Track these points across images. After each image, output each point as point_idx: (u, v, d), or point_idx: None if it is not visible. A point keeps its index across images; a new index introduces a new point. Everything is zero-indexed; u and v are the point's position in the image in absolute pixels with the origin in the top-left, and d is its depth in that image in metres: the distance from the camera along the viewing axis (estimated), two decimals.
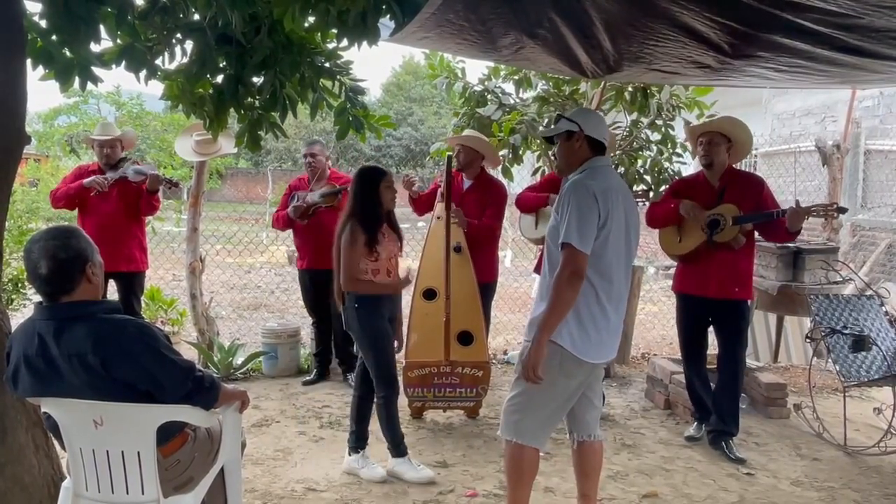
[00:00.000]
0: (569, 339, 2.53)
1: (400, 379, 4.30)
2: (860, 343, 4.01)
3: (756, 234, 3.94)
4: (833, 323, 4.15)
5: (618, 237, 2.56)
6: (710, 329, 4.05)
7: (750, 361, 4.85)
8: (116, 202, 4.44)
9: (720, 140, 3.84)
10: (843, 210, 3.74)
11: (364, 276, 3.30)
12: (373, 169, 3.47)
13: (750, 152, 4.07)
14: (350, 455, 3.53)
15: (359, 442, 3.52)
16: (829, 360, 4.26)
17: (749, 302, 3.96)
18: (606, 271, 2.54)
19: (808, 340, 4.73)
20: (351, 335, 3.44)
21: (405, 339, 4.30)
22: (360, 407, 3.53)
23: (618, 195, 2.58)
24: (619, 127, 5.55)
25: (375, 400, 3.45)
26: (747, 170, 7.58)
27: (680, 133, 5.51)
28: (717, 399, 3.93)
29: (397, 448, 3.48)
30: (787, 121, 10.60)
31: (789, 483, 3.52)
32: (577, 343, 2.53)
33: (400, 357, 5.13)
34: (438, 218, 4.45)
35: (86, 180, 4.38)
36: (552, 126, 2.81)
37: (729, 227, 3.74)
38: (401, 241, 3.53)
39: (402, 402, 4.32)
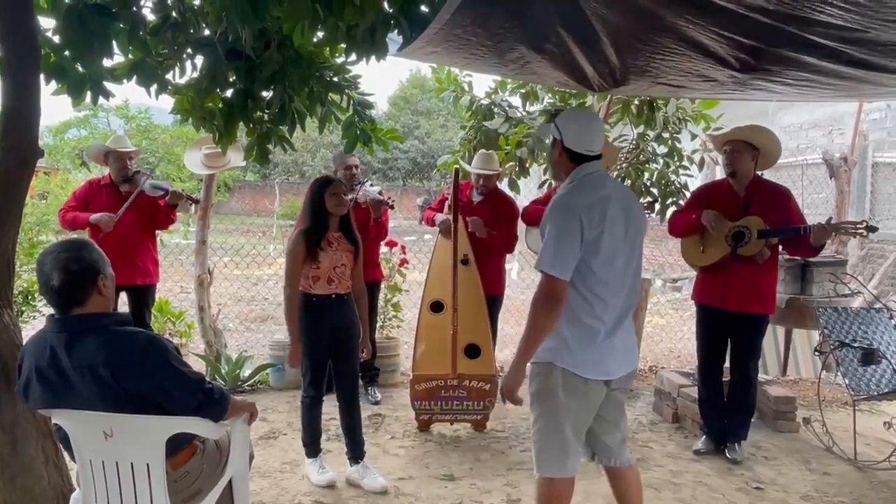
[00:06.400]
0: (569, 358, 2.42)
1: (407, 392, 4.34)
2: (870, 356, 3.98)
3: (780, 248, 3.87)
4: (842, 336, 4.13)
5: (615, 247, 2.40)
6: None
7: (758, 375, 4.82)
8: (132, 216, 4.45)
9: (744, 148, 3.73)
10: (873, 229, 3.58)
11: (304, 281, 3.40)
12: (320, 178, 3.54)
13: (777, 160, 3.91)
14: (351, 466, 3.56)
15: (356, 451, 3.58)
16: (839, 373, 4.23)
17: (769, 316, 3.90)
18: (604, 284, 2.40)
19: (816, 353, 4.70)
20: None
21: (413, 352, 4.32)
22: (343, 415, 3.62)
23: (610, 203, 2.40)
24: (625, 140, 5.57)
25: (301, 399, 3.59)
26: None
27: (686, 145, 5.53)
28: (728, 410, 3.94)
29: (306, 447, 3.61)
30: (794, 133, 10.60)
31: (799, 497, 3.49)
32: (581, 361, 2.42)
33: (407, 370, 5.16)
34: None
35: (92, 217, 4.36)
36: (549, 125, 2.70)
37: (754, 241, 3.65)
38: (357, 250, 3.52)
39: (410, 414, 4.35)
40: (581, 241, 2.34)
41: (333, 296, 3.44)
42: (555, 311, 2.36)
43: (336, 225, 3.45)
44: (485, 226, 4.49)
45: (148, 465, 2.09)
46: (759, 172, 3.86)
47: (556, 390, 2.44)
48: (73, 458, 2.19)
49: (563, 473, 2.50)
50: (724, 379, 4.04)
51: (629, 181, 5.49)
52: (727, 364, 4.04)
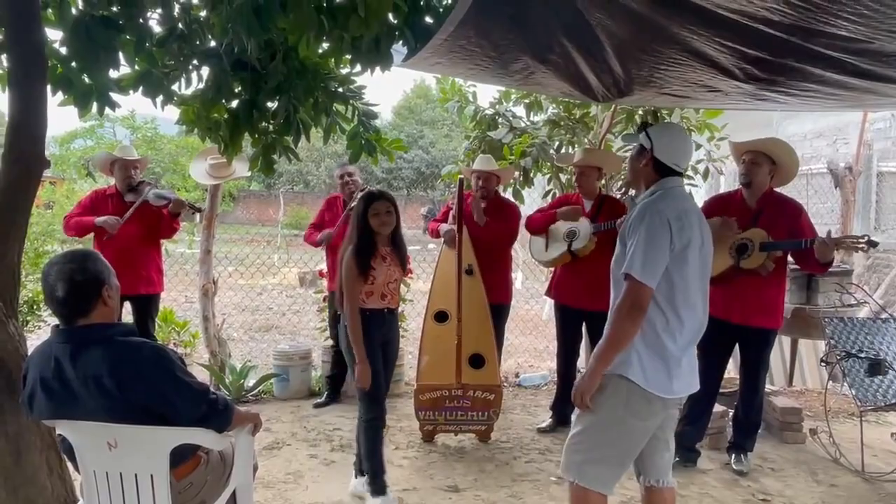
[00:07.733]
0: (640, 372, 2.31)
1: (411, 402, 4.32)
2: (876, 367, 3.96)
3: (790, 260, 3.82)
4: (848, 346, 4.10)
5: (693, 263, 2.36)
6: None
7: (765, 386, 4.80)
8: (136, 225, 4.48)
9: (763, 160, 3.70)
10: (874, 244, 3.56)
11: (358, 297, 3.30)
12: (365, 193, 3.46)
13: (793, 178, 3.87)
14: (356, 478, 3.52)
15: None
16: (845, 383, 4.20)
17: (776, 330, 3.85)
18: (683, 299, 2.35)
19: (823, 364, 4.68)
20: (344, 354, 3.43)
21: (417, 362, 4.31)
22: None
23: (693, 218, 2.40)
24: (629, 150, 5.57)
25: (361, 423, 3.38)
26: None
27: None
28: (735, 423, 3.94)
29: (374, 482, 3.32)
30: (799, 143, 10.57)
31: None
32: (650, 376, 2.32)
33: (411, 380, 5.15)
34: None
35: (98, 220, 4.38)
36: (631, 132, 2.70)
37: (756, 253, 3.62)
38: (404, 264, 3.47)
39: (414, 425, 4.33)
40: (670, 249, 2.29)
41: (386, 310, 3.39)
42: (640, 319, 2.28)
43: (386, 240, 3.39)
44: (485, 235, 4.49)
45: (152, 476, 2.08)
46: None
47: (619, 406, 2.34)
48: (76, 468, 2.19)
49: (606, 491, 2.40)
50: (722, 390, 4.02)
51: (633, 190, 5.50)
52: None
